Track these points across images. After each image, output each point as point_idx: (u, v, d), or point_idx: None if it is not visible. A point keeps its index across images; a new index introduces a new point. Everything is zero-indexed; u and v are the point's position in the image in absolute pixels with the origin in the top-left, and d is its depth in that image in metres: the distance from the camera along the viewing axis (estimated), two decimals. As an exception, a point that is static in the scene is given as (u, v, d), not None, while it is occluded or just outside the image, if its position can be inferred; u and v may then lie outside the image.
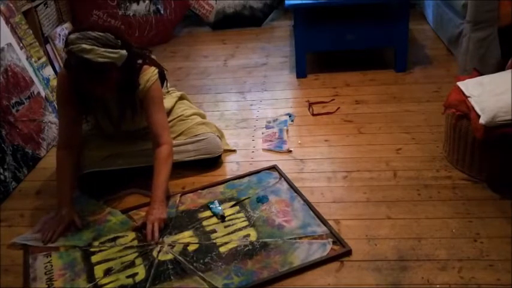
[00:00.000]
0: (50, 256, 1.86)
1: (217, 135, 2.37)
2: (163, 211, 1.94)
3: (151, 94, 2.07)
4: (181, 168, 2.28)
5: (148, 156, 2.13)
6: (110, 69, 1.88)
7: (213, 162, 2.35)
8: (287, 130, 2.65)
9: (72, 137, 2.09)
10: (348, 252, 1.77)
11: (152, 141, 2.09)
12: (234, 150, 2.48)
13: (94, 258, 1.83)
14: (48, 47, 3.37)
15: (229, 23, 4.30)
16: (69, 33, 1.86)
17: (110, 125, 2.19)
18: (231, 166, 2.39)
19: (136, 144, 2.25)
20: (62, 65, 3.44)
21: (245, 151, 2.51)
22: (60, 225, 1.95)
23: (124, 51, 1.90)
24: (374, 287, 1.65)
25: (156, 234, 1.87)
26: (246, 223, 1.94)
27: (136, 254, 1.82)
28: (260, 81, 3.29)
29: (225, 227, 1.93)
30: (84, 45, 1.80)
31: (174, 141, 2.22)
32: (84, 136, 2.22)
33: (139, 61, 2.06)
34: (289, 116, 2.78)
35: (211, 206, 2.04)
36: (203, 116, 2.48)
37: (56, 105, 2.08)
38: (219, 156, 2.36)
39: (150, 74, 2.07)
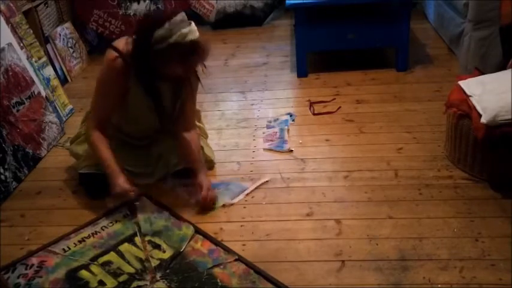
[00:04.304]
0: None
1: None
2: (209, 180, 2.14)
3: (196, 82, 2.15)
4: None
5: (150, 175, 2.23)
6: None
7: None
8: (288, 130, 2.65)
9: (107, 120, 2.10)
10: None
11: (182, 125, 2.17)
12: (212, 163, 2.37)
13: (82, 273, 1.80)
14: (48, 46, 3.37)
15: (230, 22, 4.29)
16: (149, 30, 1.85)
17: (155, 118, 2.14)
18: (232, 166, 2.38)
19: (145, 159, 2.26)
20: (64, 61, 3.44)
21: (246, 151, 2.50)
22: (126, 197, 2.02)
23: None
24: (375, 287, 1.64)
25: (214, 197, 2.07)
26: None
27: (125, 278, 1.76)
28: (261, 80, 3.29)
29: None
30: (184, 30, 1.83)
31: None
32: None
33: None
34: (290, 116, 2.78)
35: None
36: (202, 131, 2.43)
37: (98, 88, 2.07)
38: None
39: None
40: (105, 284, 1.73)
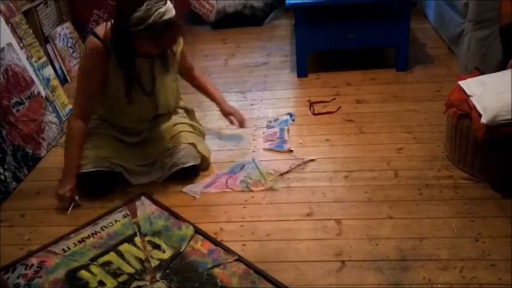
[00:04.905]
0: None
1: (192, 143, 2.27)
2: None
3: (184, 51, 2.30)
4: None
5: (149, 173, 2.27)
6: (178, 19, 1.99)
7: (190, 173, 2.27)
8: (288, 130, 2.65)
9: (90, 108, 2.16)
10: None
11: (190, 73, 2.49)
12: (207, 162, 2.36)
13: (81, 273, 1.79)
14: (48, 46, 3.37)
15: (230, 22, 4.29)
16: (128, 13, 1.87)
17: (143, 95, 2.16)
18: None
19: (143, 154, 2.27)
20: (58, 59, 3.44)
21: (246, 151, 2.50)
22: (61, 202, 2.12)
23: None
24: (375, 287, 1.64)
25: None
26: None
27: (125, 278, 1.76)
28: (261, 80, 3.29)
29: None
30: (161, 9, 1.87)
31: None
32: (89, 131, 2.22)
33: None
34: (290, 116, 2.78)
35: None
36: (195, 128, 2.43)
37: (80, 75, 2.13)
38: (195, 166, 2.27)
39: None
40: (105, 284, 1.73)
